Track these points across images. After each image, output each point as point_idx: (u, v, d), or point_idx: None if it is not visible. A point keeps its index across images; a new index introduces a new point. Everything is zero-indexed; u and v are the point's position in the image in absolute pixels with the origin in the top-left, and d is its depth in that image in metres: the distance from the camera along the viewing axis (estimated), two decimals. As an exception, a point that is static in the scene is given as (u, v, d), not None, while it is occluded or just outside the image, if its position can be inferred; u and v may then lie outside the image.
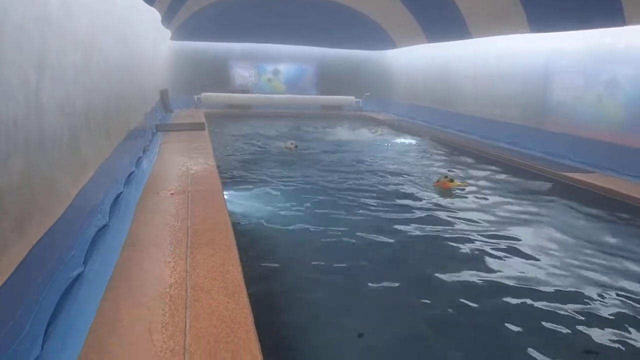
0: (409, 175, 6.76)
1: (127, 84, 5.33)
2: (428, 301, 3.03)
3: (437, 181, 5.97)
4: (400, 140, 10.44)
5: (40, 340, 1.91)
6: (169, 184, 4.59)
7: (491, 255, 3.80)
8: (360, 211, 4.89)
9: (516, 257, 3.78)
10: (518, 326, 2.74)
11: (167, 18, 10.74)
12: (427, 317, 2.84)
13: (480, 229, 4.47)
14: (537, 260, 3.74)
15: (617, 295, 3.16)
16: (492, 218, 4.81)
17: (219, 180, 4.84)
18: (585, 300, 3.08)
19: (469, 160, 7.94)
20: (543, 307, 2.96)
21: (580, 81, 7.44)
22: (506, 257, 3.79)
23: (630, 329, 2.73)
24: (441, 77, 12.09)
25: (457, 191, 5.76)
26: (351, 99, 15.41)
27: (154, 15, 8.76)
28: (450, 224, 4.58)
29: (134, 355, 1.84)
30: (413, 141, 10.22)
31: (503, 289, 3.21)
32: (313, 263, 3.57)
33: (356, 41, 14.57)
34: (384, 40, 14.26)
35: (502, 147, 8.46)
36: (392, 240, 4.08)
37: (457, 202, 5.38)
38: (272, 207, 4.89)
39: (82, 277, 2.57)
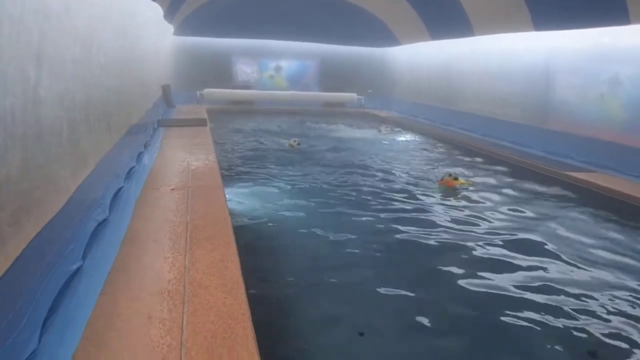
0: (412, 173, 6.73)
1: (127, 78, 5.32)
2: (429, 300, 3.02)
3: (441, 179, 5.94)
4: (403, 137, 10.41)
5: (38, 333, 1.91)
6: (169, 179, 4.59)
7: (494, 254, 3.79)
8: (363, 209, 4.87)
9: (518, 255, 3.76)
10: (518, 322, 2.73)
11: (170, 13, 10.71)
12: (428, 316, 2.82)
13: (482, 226, 4.45)
14: (538, 259, 3.72)
15: (618, 294, 3.15)
16: (493, 217, 4.79)
17: (220, 176, 4.83)
18: (586, 299, 3.07)
19: (471, 158, 7.91)
20: (544, 305, 2.95)
21: (583, 80, 7.40)
22: (508, 255, 3.78)
23: (632, 329, 2.72)
24: (444, 74, 12.04)
25: (461, 189, 5.73)
26: (353, 96, 15.37)
27: (155, 9, 8.73)
28: (454, 222, 4.56)
29: (131, 349, 1.84)
30: (416, 139, 10.19)
31: (504, 288, 3.20)
32: (313, 261, 3.57)
33: (359, 38, 14.52)
34: (386, 37, 14.20)
35: (504, 146, 8.42)
36: (395, 239, 4.06)
37: (461, 201, 5.36)
38: (273, 204, 4.88)
39: (81, 271, 2.57)
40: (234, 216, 4.11)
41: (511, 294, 3.11)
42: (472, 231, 4.31)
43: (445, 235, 4.19)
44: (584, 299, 3.08)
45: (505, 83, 9.44)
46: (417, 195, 5.51)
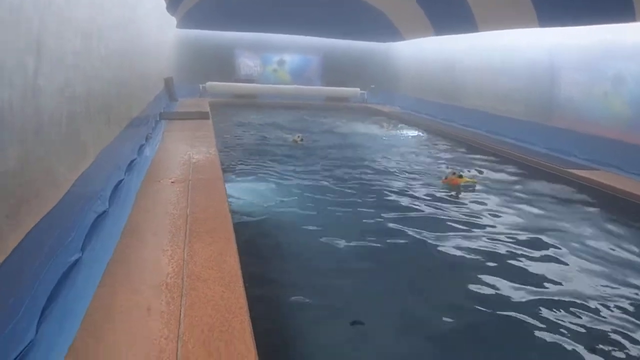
0: (416, 170, 6.70)
1: (127, 71, 5.30)
2: (431, 300, 3.01)
3: (446, 177, 5.88)
4: (406, 133, 10.37)
5: (35, 323, 1.91)
6: (170, 172, 4.59)
7: (498, 251, 3.79)
8: (366, 206, 4.84)
9: (521, 253, 3.76)
10: (521, 321, 2.73)
11: (173, 6, 10.66)
12: (430, 315, 2.81)
13: (486, 224, 4.43)
14: (541, 256, 3.72)
15: (619, 294, 3.14)
16: (497, 214, 4.77)
17: (221, 169, 4.83)
18: (587, 299, 3.05)
19: (475, 155, 7.87)
20: (547, 304, 2.94)
21: (587, 77, 7.34)
22: (512, 252, 3.77)
23: (633, 329, 2.71)
24: (447, 70, 11.97)
25: (466, 187, 5.70)
26: (356, 90, 15.31)
27: (158, 2, 8.69)
28: (458, 220, 4.53)
29: (128, 341, 1.85)
30: (419, 135, 10.14)
31: (508, 285, 3.19)
32: (314, 258, 3.55)
33: (362, 32, 14.44)
34: (390, 32, 14.12)
35: (508, 143, 8.38)
36: (398, 236, 4.04)
37: (465, 199, 5.34)
38: (275, 199, 4.87)
39: (80, 262, 2.57)
40: (235, 211, 4.11)
41: (514, 292, 3.10)
42: (475, 229, 4.29)
43: (450, 233, 4.16)
44: (585, 296, 3.06)
45: (508, 79, 9.38)
46: (421, 193, 5.48)
